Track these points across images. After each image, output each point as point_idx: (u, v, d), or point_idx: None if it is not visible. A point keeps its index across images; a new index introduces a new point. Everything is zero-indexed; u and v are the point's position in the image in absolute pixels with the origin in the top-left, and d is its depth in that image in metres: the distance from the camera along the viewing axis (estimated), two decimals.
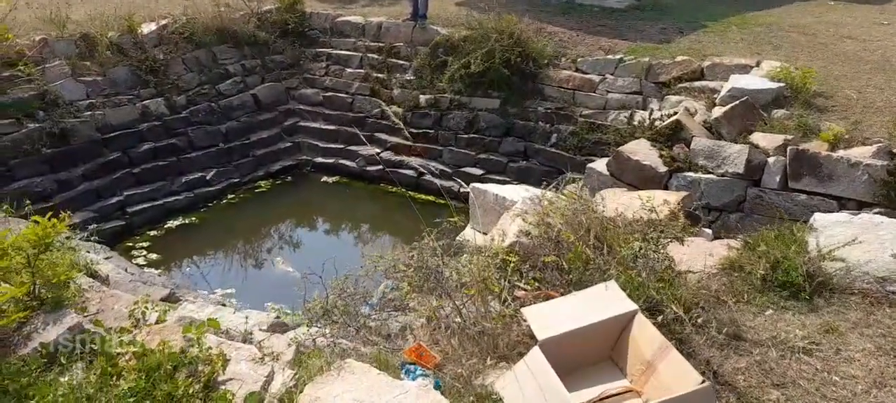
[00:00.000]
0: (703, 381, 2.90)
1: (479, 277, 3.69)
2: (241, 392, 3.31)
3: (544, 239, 3.92)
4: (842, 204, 6.52)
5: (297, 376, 3.33)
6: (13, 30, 9.91)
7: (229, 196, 10.69)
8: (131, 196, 9.72)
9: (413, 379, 3.38)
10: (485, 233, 5.57)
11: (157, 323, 4.02)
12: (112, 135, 9.96)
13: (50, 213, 7.63)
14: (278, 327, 4.34)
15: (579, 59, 10.78)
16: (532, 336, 3.44)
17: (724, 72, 9.37)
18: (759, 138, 7.29)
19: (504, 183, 10.17)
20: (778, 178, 6.80)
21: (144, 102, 10.53)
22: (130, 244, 9.13)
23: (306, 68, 12.72)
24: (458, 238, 5.72)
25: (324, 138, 11.90)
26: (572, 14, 12.67)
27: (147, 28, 11.24)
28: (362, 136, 11.60)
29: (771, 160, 6.90)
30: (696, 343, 3.52)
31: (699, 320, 3.57)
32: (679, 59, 10.02)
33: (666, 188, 7.11)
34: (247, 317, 4.16)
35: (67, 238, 7.05)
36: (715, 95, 8.87)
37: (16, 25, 10.31)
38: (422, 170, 11.03)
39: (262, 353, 3.51)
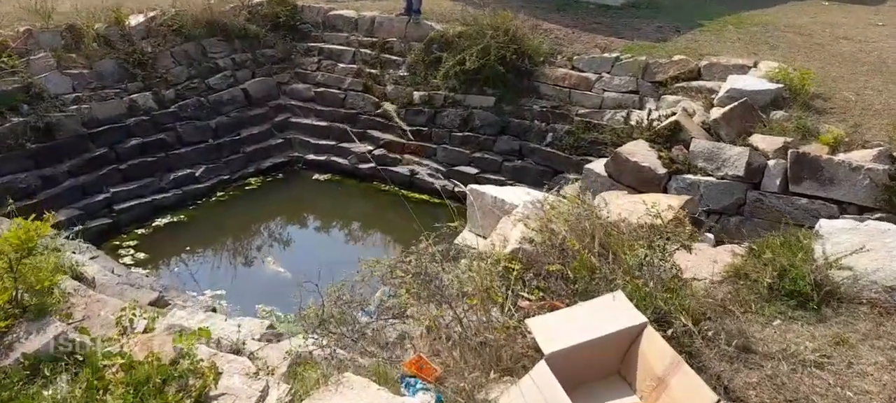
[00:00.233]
0: (718, 400, 2.79)
1: (482, 286, 3.56)
2: None
3: (548, 247, 3.80)
4: (842, 208, 6.45)
5: (293, 391, 3.19)
6: None
7: (219, 193, 10.49)
8: (118, 193, 9.49)
9: (414, 394, 3.25)
10: (484, 237, 5.43)
11: (145, 331, 3.86)
12: (98, 129, 9.73)
13: (34, 214, 7.44)
14: (272, 336, 4.20)
15: (575, 57, 10.66)
16: (537, 349, 3.32)
17: (722, 73, 9.29)
18: (758, 140, 7.21)
19: (499, 182, 10.08)
20: (778, 181, 6.72)
21: (132, 96, 10.30)
22: (117, 243, 8.91)
23: (298, 63, 12.52)
24: (455, 241, 5.58)
25: (315, 134, 11.71)
26: (568, 11, 12.55)
27: (135, 20, 11.00)
28: (354, 134, 11.46)
29: (771, 163, 6.82)
30: (706, 357, 3.41)
31: (709, 333, 3.46)
32: (676, 58, 9.93)
33: (665, 190, 7.02)
34: (239, 326, 4.01)
35: (52, 237, 6.91)
36: (712, 96, 8.79)
37: None
38: (415, 168, 10.87)
39: (257, 367, 3.37)
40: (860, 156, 6.59)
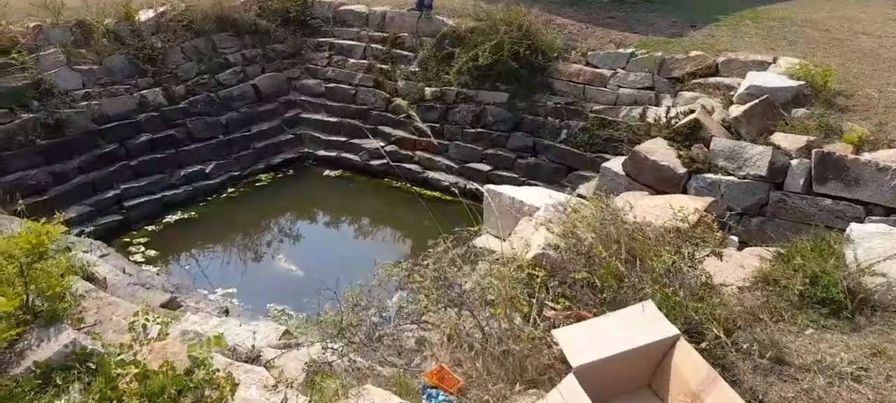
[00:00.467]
0: None
1: (506, 294, 3.44)
2: None
3: (573, 253, 3.68)
4: (868, 209, 6.29)
5: None
6: (6, 16, 9.59)
7: (229, 189, 10.41)
8: (128, 189, 9.43)
9: None
10: (501, 239, 5.31)
11: (158, 337, 3.76)
12: (108, 126, 9.66)
13: (44, 216, 7.37)
14: (288, 343, 4.09)
15: (590, 53, 10.50)
16: (564, 361, 3.21)
17: (740, 69, 9.13)
18: (780, 139, 7.04)
19: (512, 179, 9.98)
20: (802, 182, 6.56)
21: (142, 92, 10.22)
22: (128, 240, 8.85)
23: (308, 58, 12.41)
24: (472, 242, 5.46)
25: (326, 130, 11.62)
26: (581, 5, 12.37)
27: (144, 15, 10.90)
28: (365, 130, 11.36)
29: (794, 162, 6.66)
30: (740, 370, 3.29)
31: (744, 346, 3.33)
32: (693, 53, 9.76)
33: (684, 190, 6.87)
34: (254, 333, 3.91)
35: (63, 235, 6.84)
36: (731, 92, 8.62)
37: (9, 11, 10.00)
38: (427, 165, 10.75)
39: (275, 379, 3.26)
40: (887, 156, 6.42)
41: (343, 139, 11.42)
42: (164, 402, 3.05)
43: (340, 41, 12.39)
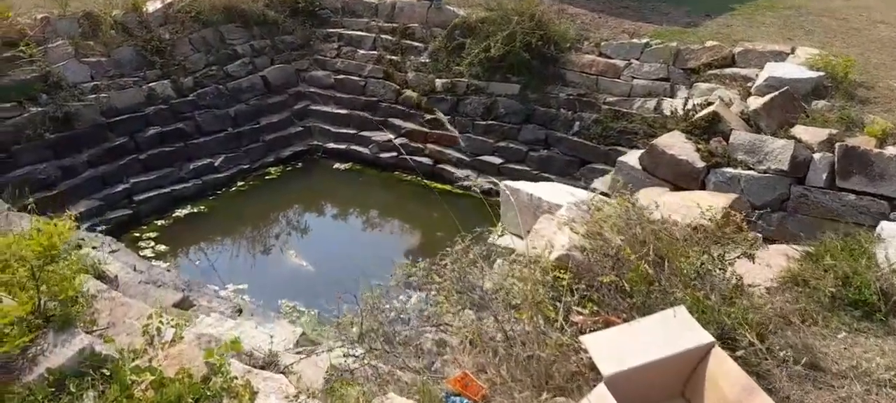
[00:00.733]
0: None
1: (532, 299, 3.33)
2: None
3: (600, 255, 3.56)
4: (893, 205, 6.15)
5: None
6: (13, 8, 9.48)
7: (238, 183, 10.33)
8: (138, 183, 9.35)
9: None
10: (520, 237, 5.20)
11: (173, 340, 3.68)
12: (117, 119, 9.58)
13: (54, 210, 7.29)
14: (305, 347, 4.00)
15: (603, 43, 10.34)
16: (592, 368, 3.11)
17: (758, 59, 8.95)
18: (801, 132, 6.89)
19: (524, 172, 9.86)
20: (824, 176, 6.42)
21: (150, 85, 10.13)
22: (137, 234, 8.77)
23: (317, 49, 12.28)
24: (490, 240, 5.35)
25: (335, 123, 11.50)
26: None
27: (152, 6, 10.80)
28: (375, 122, 11.25)
29: (816, 156, 6.51)
30: (775, 377, 3.17)
31: (781, 353, 3.21)
32: (708, 44, 9.58)
33: (703, 185, 6.74)
34: (271, 337, 3.82)
35: (74, 229, 6.76)
36: (748, 83, 8.47)
37: (16, 3, 9.90)
38: (438, 158, 10.63)
39: (297, 388, 3.16)
40: None
41: (353, 131, 11.30)
42: None
43: (350, 32, 12.25)
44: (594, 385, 3.01)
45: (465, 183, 10.00)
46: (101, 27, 10.04)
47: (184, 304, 5.19)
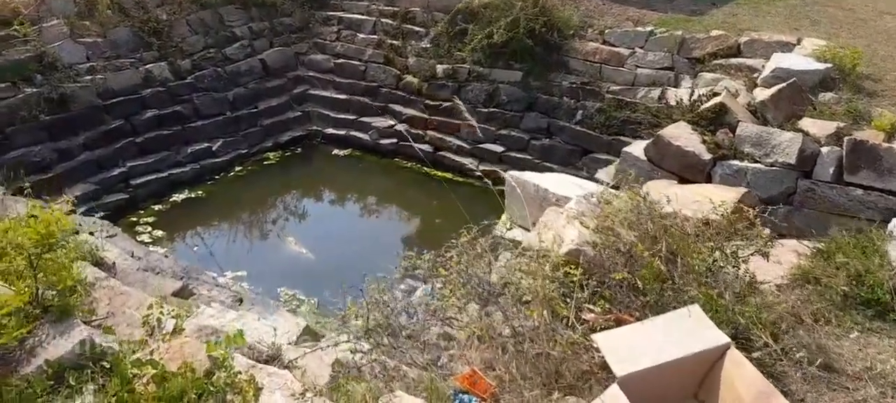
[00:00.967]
0: None
1: (542, 294, 3.26)
2: None
3: (612, 251, 3.49)
4: None
5: None
6: None
7: (237, 168, 10.21)
8: (135, 167, 9.23)
9: None
10: (526, 229, 5.13)
11: (174, 332, 3.60)
12: (114, 101, 9.43)
13: (49, 193, 7.17)
14: (309, 337, 3.93)
15: (607, 31, 10.21)
16: (604, 367, 3.04)
17: (764, 50, 8.85)
18: (809, 125, 6.80)
19: (525, 161, 9.78)
20: (831, 170, 6.34)
21: (147, 66, 9.97)
22: (134, 219, 8.67)
23: (316, 32, 12.13)
24: (495, 232, 5.28)
25: (335, 108, 11.37)
26: None
27: None
28: (375, 108, 11.12)
29: (824, 150, 6.43)
30: (790, 379, 3.12)
31: (798, 355, 3.15)
32: (714, 33, 9.48)
33: (709, 177, 6.67)
34: (275, 329, 3.74)
35: (70, 213, 6.65)
36: (754, 74, 8.37)
37: None
38: (439, 145, 10.53)
39: (303, 387, 3.08)
40: None
41: (352, 117, 11.18)
42: None
43: (350, 15, 12.09)
44: (606, 385, 2.95)
45: (467, 170, 9.91)
46: (97, 7, 9.85)
47: (183, 293, 5.11)
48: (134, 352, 3.36)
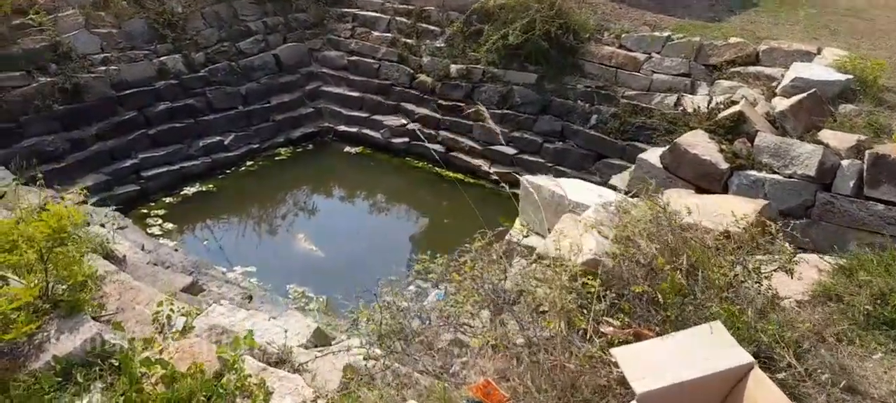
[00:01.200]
0: None
1: (560, 305, 3.19)
2: None
3: (632, 263, 3.42)
4: None
5: None
6: None
7: (248, 163, 10.18)
8: (147, 159, 9.21)
9: None
10: (541, 235, 5.05)
11: (184, 331, 3.55)
12: (127, 92, 9.42)
13: (61, 183, 7.14)
14: (319, 339, 3.87)
15: (623, 35, 10.11)
16: (623, 383, 2.97)
17: (783, 58, 8.74)
18: (829, 137, 6.69)
19: (538, 164, 9.70)
20: (852, 184, 6.24)
21: (161, 58, 9.96)
22: (145, 211, 8.66)
23: (331, 28, 12.09)
24: (507, 236, 5.21)
25: (347, 105, 11.33)
26: None
27: None
28: (387, 106, 11.07)
29: (845, 163, 6.33)
30: (814, 401, 3.03)
31: (823, 376, 3.07)
32: (732, 40, 9.37)
33: (726, 187, 6.57)
34: (286, 331, 3.69)
35: (81, 204, 6.63)
36: (773, 83, 8.26)
37: None
38: (451, 145, 10.46)
39: (315, 394, 3.03)
40: None
41: (364, 115, 11.13)
42: None
43: (364, 12, 12.04)
44: (624, 402, 2.87)
45: (480, 172, 9.84)
46: None
47: (193, 289, 5.07)
48: (143, 350, 3.31)
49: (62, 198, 6.17)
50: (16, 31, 8.69)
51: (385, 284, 3.92)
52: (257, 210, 9.23)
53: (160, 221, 8.49)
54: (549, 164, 9.70)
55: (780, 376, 2.96)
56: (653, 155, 7.22)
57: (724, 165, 6.59)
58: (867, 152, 6.23)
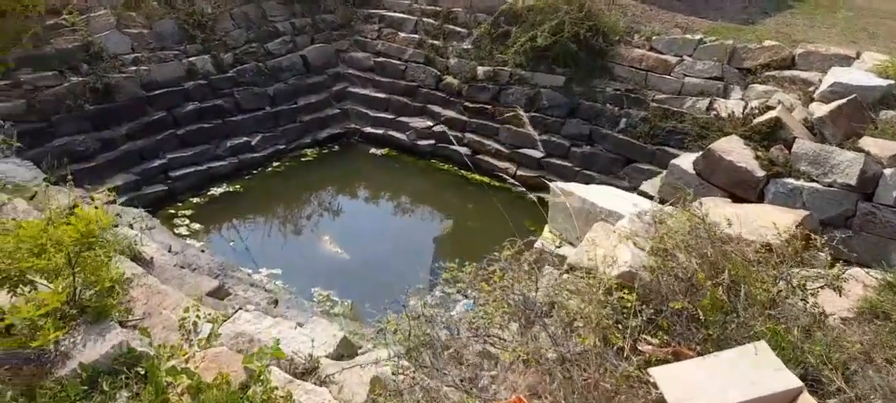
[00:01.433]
0: None
1: (595, 320, 3.08)
2: None
3: (670, 277, 3.29)
4: None
5: None
6: None
7: (274, 163, 10.19)
8: (175, 159, 9.26)
9: None
10: (571, 244, 4.94)
11: (209, 338, 3.50)
12: (157, 92, 9.48)
13: (91, 182, 7.17)
14: (346, 349, 3.80)
15: (654, 38, 9.92)
16: None
17: (821, 63, 8.50)
18: (869, 144, 6.46)
19: (565, 168, 9.58)
20: (895, 194, 6.01)
21: (190, 59, 10.02)
22: (173, 211, 8.69)
23: (358, 30, 12.07)
24: (537, 244, 5.10)
25: (373, 106, 11.29)
26: None
27: None
28: (413, 108, 11.01)
29: (887, 172, 6.09)
30: None
31: (875, 402, 2.91)
32: (767, 43, 9.14)
33: (761, 195, 6.37)
34: (312, 340, 3.63)
35: (109, 203, 6.66)
36: (809, 88, 8.04)
37: None
38: (477, 147, 10.37)
39: None
40: None
41: (391, 116, 11.09)
42: None
43: (391, 13, 12.00)
44: None
45: (505, 175, 9.72)
46: None
47: (219, 293, 5.04)
48: (169, 358, 3.27)
49: (92, 199, 6.22)
50: (49, 31, 8.80)
51: (413, 293, 3.85)
52: (283, 211, 9.23)
53: (187, 221, 8.52)
54: (577, 168, 9.57)
55: (830, 402, 2.81)
56: (685, 160, 7.04)
57: (761, 173, 6.39)
58: None
